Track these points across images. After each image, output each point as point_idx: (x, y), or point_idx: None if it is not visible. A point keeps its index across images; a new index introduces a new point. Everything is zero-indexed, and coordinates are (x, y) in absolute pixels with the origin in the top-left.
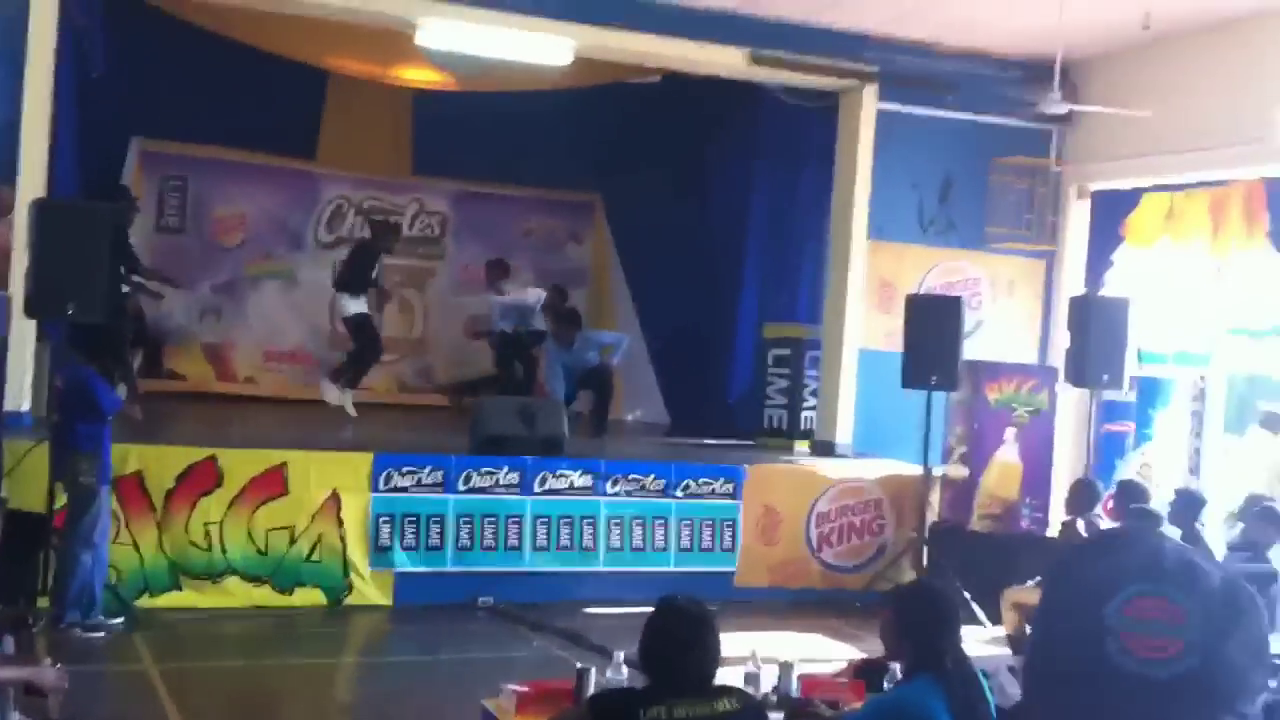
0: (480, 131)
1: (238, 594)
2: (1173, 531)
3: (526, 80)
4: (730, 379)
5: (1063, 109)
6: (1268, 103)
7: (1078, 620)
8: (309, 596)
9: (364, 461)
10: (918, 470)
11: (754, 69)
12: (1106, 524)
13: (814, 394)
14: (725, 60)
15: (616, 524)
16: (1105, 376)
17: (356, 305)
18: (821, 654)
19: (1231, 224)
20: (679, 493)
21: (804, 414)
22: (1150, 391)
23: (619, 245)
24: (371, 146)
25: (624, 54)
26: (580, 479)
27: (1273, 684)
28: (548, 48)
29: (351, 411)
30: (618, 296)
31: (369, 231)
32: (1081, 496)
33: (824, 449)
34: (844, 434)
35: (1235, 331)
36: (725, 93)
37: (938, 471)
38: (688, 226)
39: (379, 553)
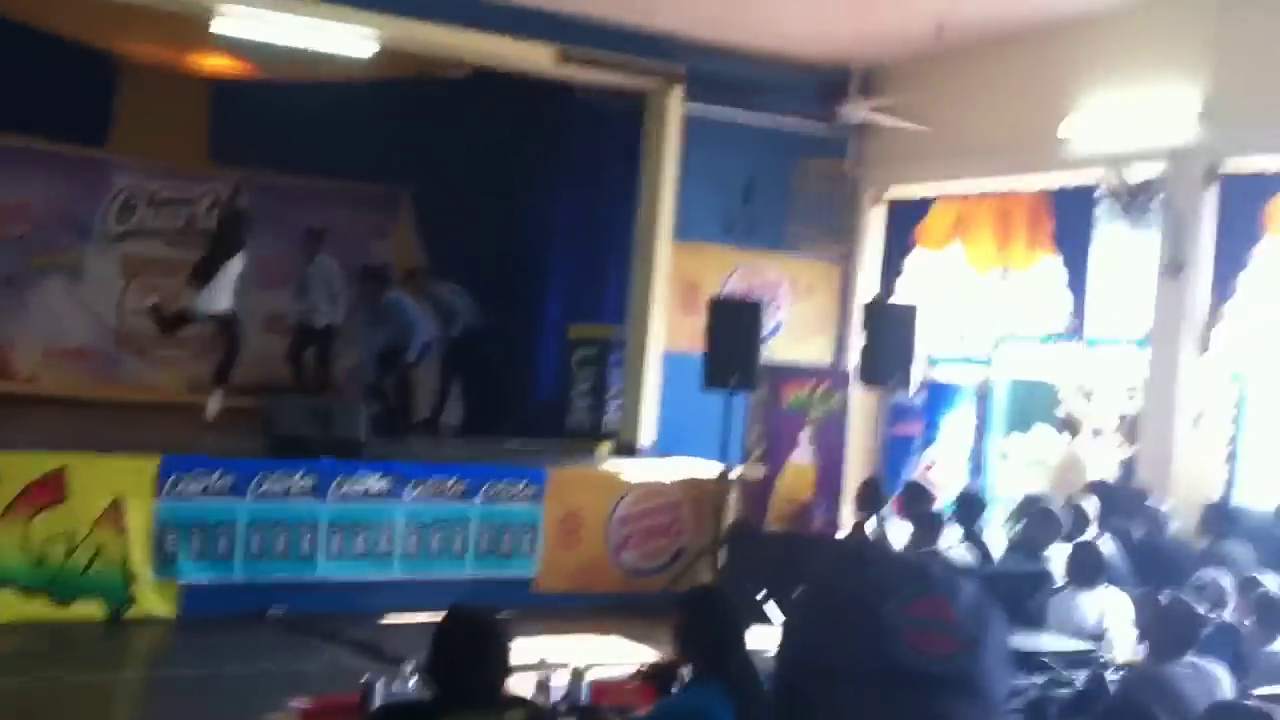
0: (281, 122)
1: (10, 607)
2: (955, 531)
3: (331, 70)
4: (535, 379)
5: (858, 117)
6: (1055, 115)
7: (853, 621)
8: (88, 609)
9: (149, 465)
10: (717, 470)
11: (562, 67)
12: (894, 523)
13: (618, 395)
14: (533, 56)
15: (414, 531)
16: (894, 379)
17: (225, 300)
18: (619, 657)
19: (1018, 230)
20: (480, 497)
21: (608, 415)
22: (938, 395)
23: (424, 242)
24: (166, 135)
25: (430, 47)
26: (379, 483)
27: (1039, 680)
28: (350, 38)
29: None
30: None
31: (217, 225)
32: (868, 497)
33: (627, 450)
34: (646, 435)
35: (1016, 337)
36: (534, 90)
37: (736, 472)
38: (494, 224)
39: (164, 562)
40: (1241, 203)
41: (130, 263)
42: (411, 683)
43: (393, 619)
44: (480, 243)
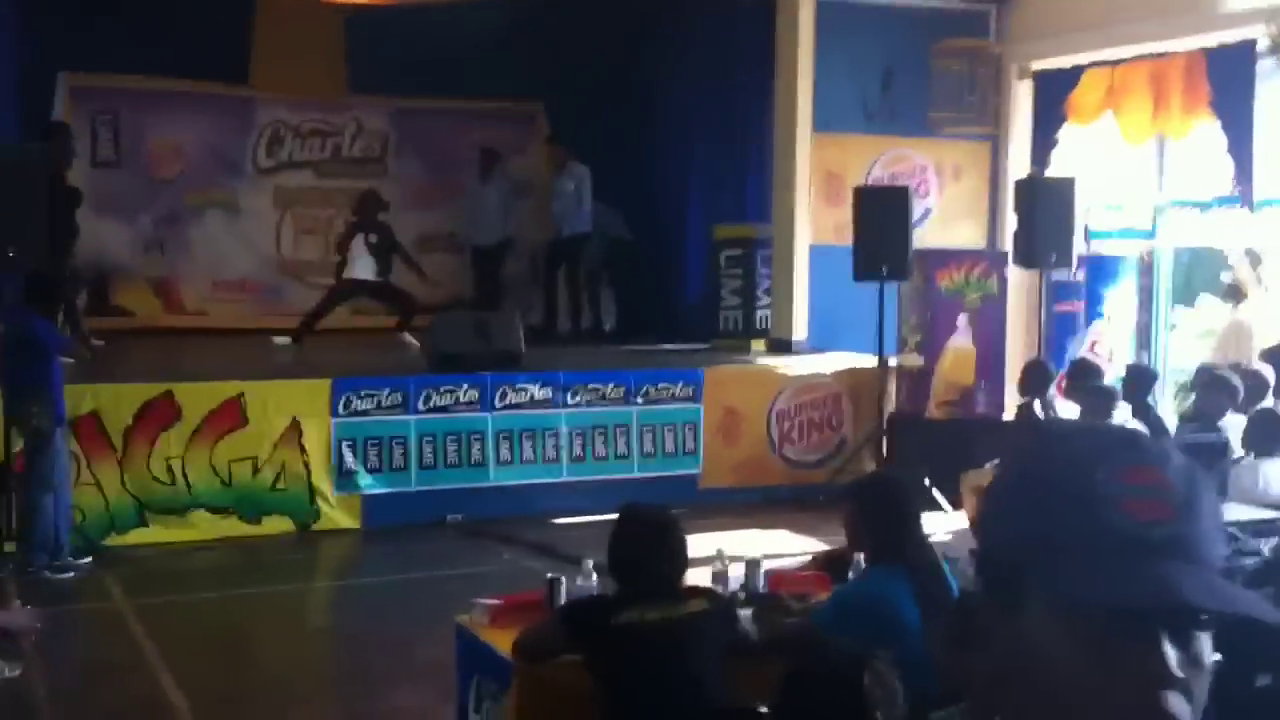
0: (415, 47)
1: (204, 527)
2: (1126, 408)
3: None
4: (683, 283)
5: None
6: None
7: (1068, 492)
8: (277, 525)
9: (322, 388)
10: (874, 362)
11: None
12: (1061, 404)
13: (768, 293)
14: None
15: (579, 435)
16: (1053, 257)
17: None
18: (787, 549)
19: (1173, 96)
20: (639, 399)
21: (759, 313)
22: (1098, 270)
23: (564, 152)
24: (305, 68)
25: None
26: (540, 392)
27: (1226, 551)
28: None
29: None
30: None
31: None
32: (1035, 378)
33: (781, 347)
34: (799, 331)
35: (1179, 204)
36: None
37: (894, 362)
38: (632, 132)
39: (344, 477)
40: None
41: (283, 194)
42: (594, 579)
43: (565, 521)
44: (619, 152)
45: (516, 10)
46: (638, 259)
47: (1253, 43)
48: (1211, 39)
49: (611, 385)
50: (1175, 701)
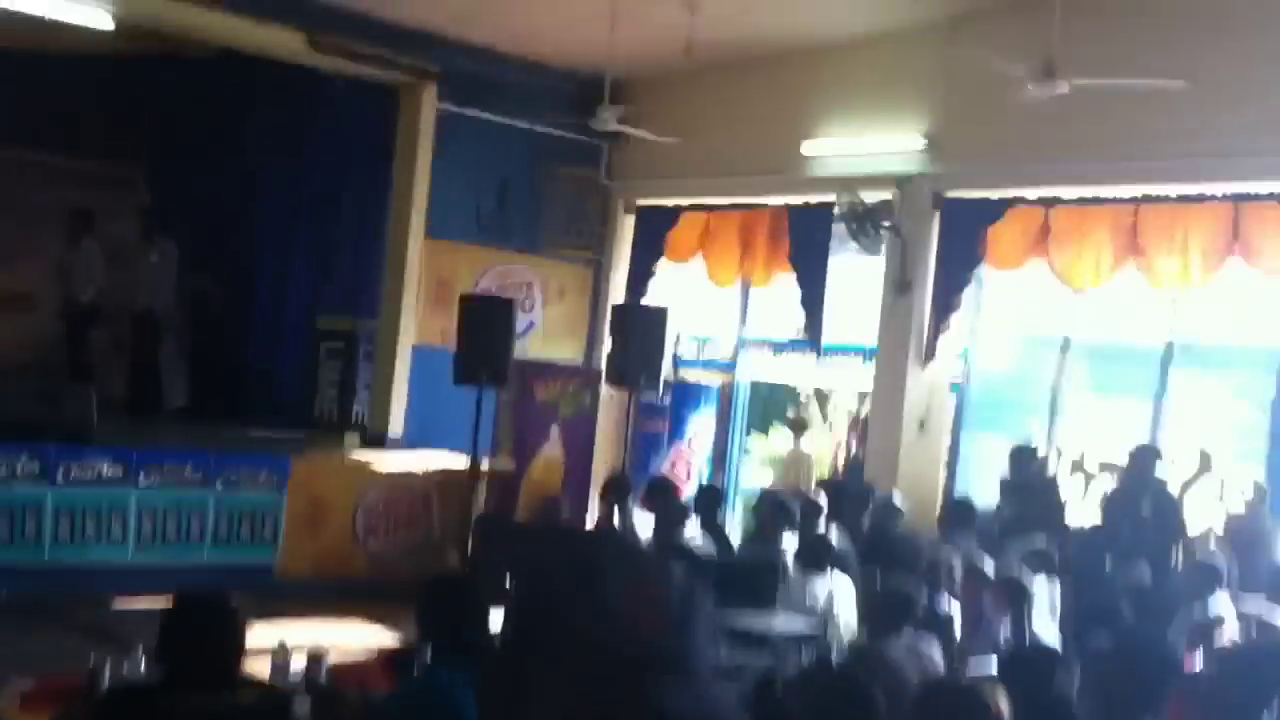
0: (12, 94)
1: None
2: (696, 522)
3: (65, 43)
4: (279, 369)
5: (611, 126)
6: (795, 136)
7: (569, 602)
8: None
9: None
10: (466, 463)
11: (313, 55)
12: (639, 516)
13: (367, 387)
14: (283, 42)
15: (149, 515)
16: (643, 379)
17: None
18: (362, 642)
19: (758, 246)
20: (219, 484)
21: (356, 407)
22: (683, 395)
23: (161, 222)
24: None
25: (176, 26)
26: (110, 469)
27: (770, 658)
28: (87, 11)
29: None
30: None
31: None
32: (616, 489)
33: (375, 441)
34: (395, 427)
35: (757, 342)
36: (283, 74)
37: (486, 465)
38: (235, 209)
39: None
40: (962, 227)
41: None
42: (141, 665)
43: (124, 604)
44: (220, 227)
45: (127, 70)
46: (235, 340)
47: (830, 206)
48: (796, 199)
49: (190, 466)
50: None
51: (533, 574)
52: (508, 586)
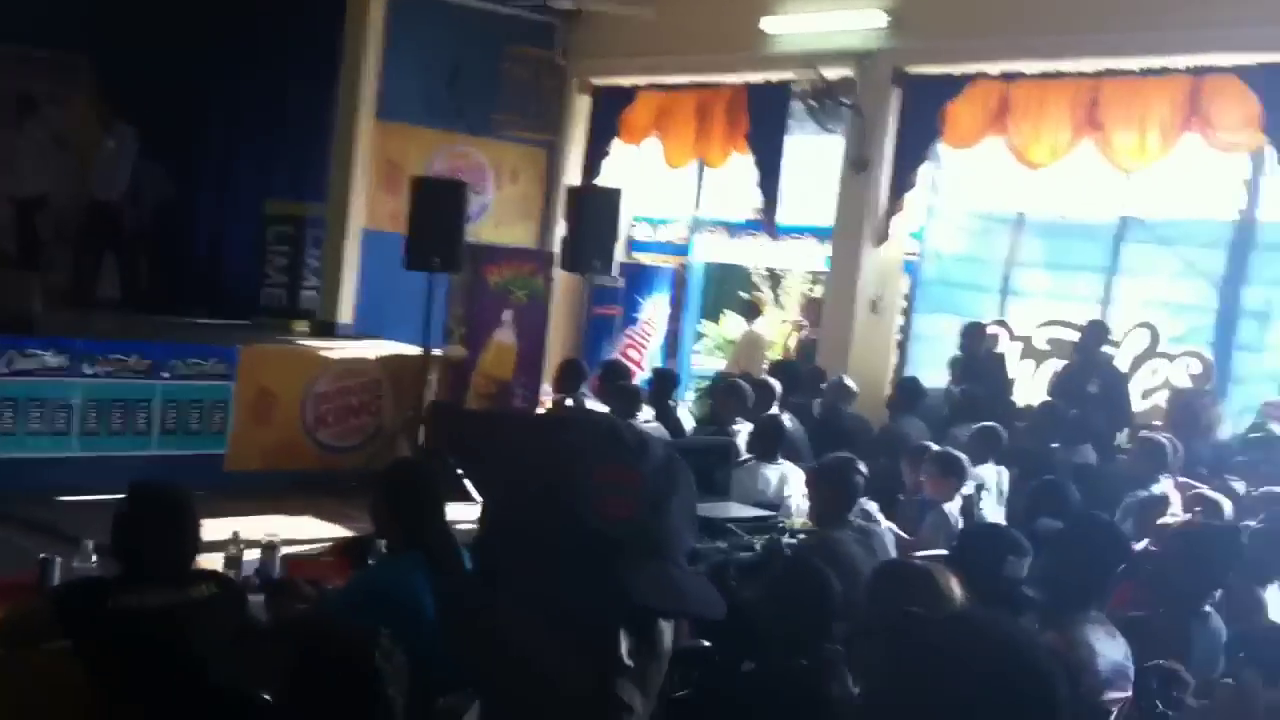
0: None
1: None
2: (650, 408)
3: None
4: (227, 255)
5: (568, 3)
6: (754, 12)
7: (545, 486)
8: None
9: None
10: (418, 351)
11: None
12: (592, 401)
13: (315, 273)
14: None
15: (93, 408)
16: (597, 263)
17: None
18: (313, 535)
19: (714, 126)
20: (165, 374)
21: (304, 294)
22: (637, 279)
23: (101, 104)
24: None
25: None
26: (54, 359)
27: (723, 545)
28: None
29: None
30: None
31: None
32: (569, 376)
33: (324, 329)
34: (345, 314)
35: (711, 223)
36: None
37: (437, 352)
38: (183, 95)
39: None
40: (921, 104)
41: None
42: (93, 560)
43: (71, 499)
44: (167, 113)
45: None
46: (180, 227)
47: (789, 84)
48: (755, 77)
49: (135, 357)
50: (624, 687)
51: (508, 459)
52: (460, 473)
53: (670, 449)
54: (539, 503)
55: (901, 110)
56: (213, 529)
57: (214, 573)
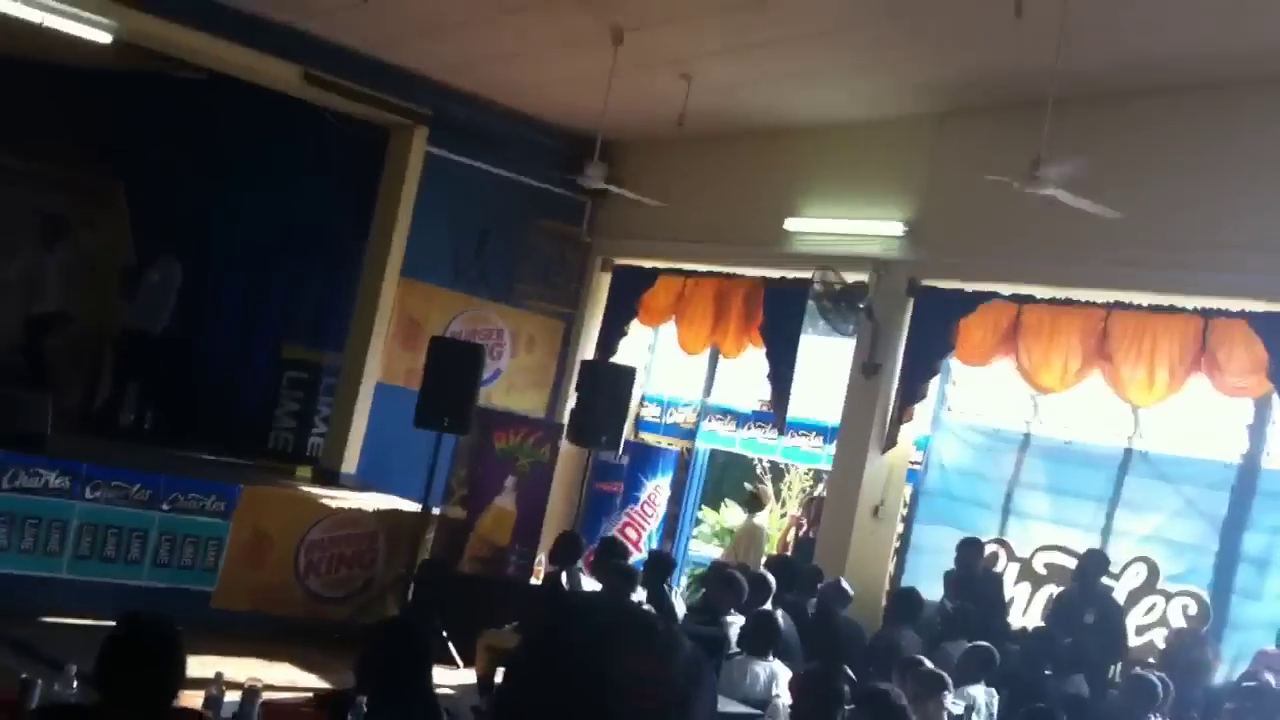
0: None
1: None
2: (643, 591)
3: (65, 54)
4: (238, 394)
5: (598, 184)
6: (778, 212)
7: (576, 668)
8: None
9: None
10: (417, 507)
11: (307, 88)
12: (586, 577)
13: (325, 420)
14: (279, 74)
15: (89, 531)
16: (604, 438)
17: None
18: (293, 683)
19: (731, 315)
20: (165, 505)
21: (312, 440)
22: (642, 458)
23: (137, 238)
24: None
25: (175, 48)
26: (57, 480)
27: None
28: (86, 26)
29: None
30: None
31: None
32: (566, 548)
33: (327, 477)
34: (350, 464)
35: (720, 409)
36: (274, 103)
37: (436, 510)
38: (214, 230)
39: None
40: (935, 317)
41: None
42: (74, 687)
43: (56, 620)
44: (197, 246)
45: (119, 83)
46: (199, 365)
47: (808, 284)
48: (774, 273)
49: (138, 486)
50: None
51: (539, 634)
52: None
53: (698, 648)
54: (563, 682)
55: (915, 320)
56: (194, 666)
57: (195, 713)
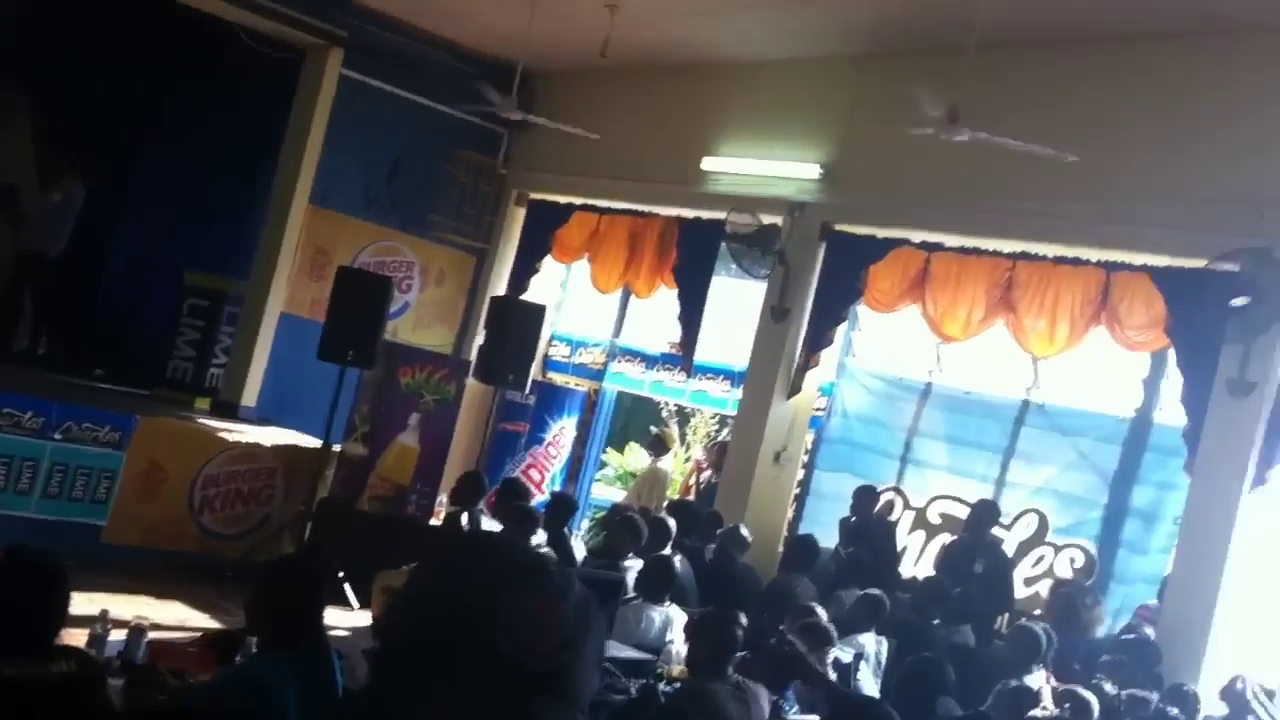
0: None
1: None
2: (543, 533)
3: None
4: (137, 320)
5: (517, 115)
6: (695, 151)
7: (468, 603)
8: None
9: None
10: (317, 444)
11: (221, 4)
12: (487, 518)
13: (226, 351)
14: None
15: None
16: (511, 377)
17: None
18: (181, 621)
19: (645, 255)
20: (57, 435)
21: (212, 370)
22: (549, 398)
23: (42, 150)
24: None
25: None
26: None
27: (597, 688)
28: None
29: None
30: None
31: None
32: (468, 489)
33: (226, 410)
34: (250, 396)
35: (628, 351)
36: (190, 19)
37: (337, 447)
38: (120, 151)
39: None
40: (846, 262)
41: None
42: None
43: None
44: (101, 168)
45: None
46: (96, 286)
47: (721, 224)
48: (689, 212)
49: (30, 413)
50: None
51: (429, 567)
52: (341, 576)
53: (586, 590)
54: (452, 623)
55: (826, 265)
56: (80, 602)
57: (76, 649)
